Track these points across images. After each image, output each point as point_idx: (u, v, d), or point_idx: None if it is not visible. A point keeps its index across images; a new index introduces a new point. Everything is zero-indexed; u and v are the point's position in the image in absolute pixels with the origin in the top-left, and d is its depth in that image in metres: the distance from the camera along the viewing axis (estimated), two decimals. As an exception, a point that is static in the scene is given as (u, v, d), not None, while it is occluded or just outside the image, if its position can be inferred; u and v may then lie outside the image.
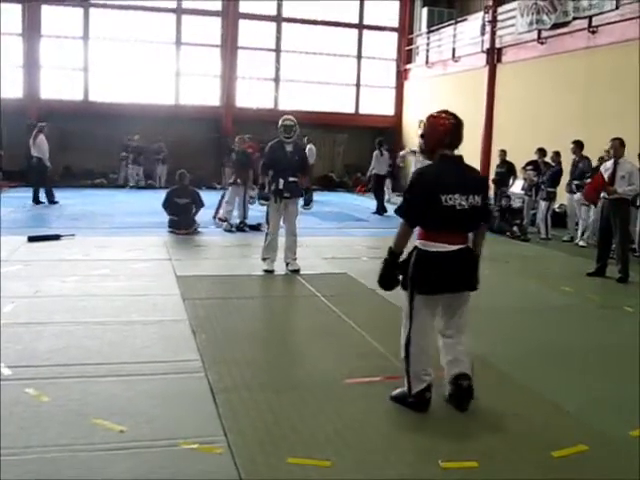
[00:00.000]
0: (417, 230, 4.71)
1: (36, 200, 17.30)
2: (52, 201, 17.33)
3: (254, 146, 15.09)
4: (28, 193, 17.56)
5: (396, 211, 4.76)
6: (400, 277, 4.71)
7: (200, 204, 13.39)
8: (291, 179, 9.34)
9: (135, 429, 4.27)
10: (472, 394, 4.78)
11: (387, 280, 4.76)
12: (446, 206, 4.53)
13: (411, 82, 25.98)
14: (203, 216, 13.71)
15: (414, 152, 17.41)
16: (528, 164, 15.12)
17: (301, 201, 9.74)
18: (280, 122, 9.56)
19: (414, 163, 17.00)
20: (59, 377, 5.16)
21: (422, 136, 4.87)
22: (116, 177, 23.10)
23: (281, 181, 9.27)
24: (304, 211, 9.95)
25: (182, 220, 12.92)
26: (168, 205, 13.22)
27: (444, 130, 4.68)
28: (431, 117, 4.81)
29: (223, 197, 14.44)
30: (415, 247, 4.66)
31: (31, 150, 17.57)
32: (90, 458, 3.90)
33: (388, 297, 8.04)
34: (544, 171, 14.52)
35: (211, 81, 25.16)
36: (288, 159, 9.40)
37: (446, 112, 4.82)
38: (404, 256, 4.74)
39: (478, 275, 4.82)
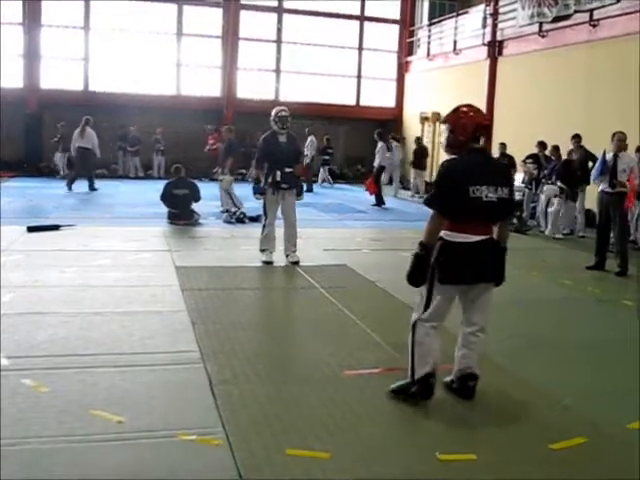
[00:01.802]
0: None
1: (91, 187, 18.40)
2: (93, 188, 18.41)
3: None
4: (27, 183, 17.55)
5: (426, 202, 4.71)
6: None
7: (198, 196, 13.37)
8: (287, 170, 9.30)
9: (133, 420, 4.27)
10: (474, 394, 4.84)
11: (418, 276, 4.62)
12: (473, 197, 4.52)
13: (412, 74, 25.92)
14: (203, 207, 13.73)
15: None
16: (528, 157, 15.11)
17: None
18: (274, 113, 9.46)
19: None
20: (58, 368, 5.15)
21: (451, 131, 4.75)
22: (117, 167, 23.06)
23: (278, 173, 9.22)
24: (300, 201, 9.88)
25: (181, 212, 12.90)
26: (167, 197, 13.18)
27: (475, 125, 4.68)
28: (461, 112, 4.75)
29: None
30: (440, 237, 4.60)
31: (75, 142, 18.43)
32: (88, 448, 3.90)
33: (388, 289, 8.08)
34: (545, 165, 14.51)
35: (212, 72, 25.14)
36: (282, 150, 9.35)
37: (473, 106, 4.81)
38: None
39: (504, 269, 4.81)
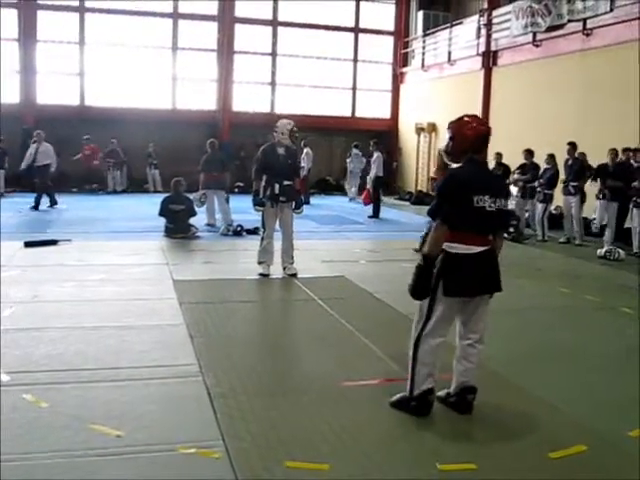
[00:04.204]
0: None
1: (52, 203, 17.94)
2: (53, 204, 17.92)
3: None
4: (24, 198, 17.62)
5: (429, 213, 4.67)
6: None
7: (193, 212, 13.45)
8: (286, 183, 9.29)
9: (132, 434, 4.27)
10: (472, 408, 4.80)
11: (422, 289, 4.57)
12: (477, 207, 4.53)
13: (407, 85, 26.01)
14: (200, 221, 13.76)
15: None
16: (517, 168, 15.18)
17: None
18: (289, 128, 9.33)
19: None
20: (57, 383, 5.16)
21: (451, 138, 4.79)
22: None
23: (277, 186, 9.20)
24: (297, 215, 9.88)
25: (178, 227, 12.91)
26: (164, 213, 13.21)
27: (476, 135, 4.68)
28: (463, 121, 4.78)
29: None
30: (442, 249, 4.57)
31: (37, 161, 18.01)
32: (87, 463, 3.90)
33: (386, 300, 8.09)
34: (533, 174, 14.47)
35: (208, 85, 25.17)
36: (281, 163, 9.32)
37: (477, 117, 4.88)
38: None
39: (500, 279, 4.80)
